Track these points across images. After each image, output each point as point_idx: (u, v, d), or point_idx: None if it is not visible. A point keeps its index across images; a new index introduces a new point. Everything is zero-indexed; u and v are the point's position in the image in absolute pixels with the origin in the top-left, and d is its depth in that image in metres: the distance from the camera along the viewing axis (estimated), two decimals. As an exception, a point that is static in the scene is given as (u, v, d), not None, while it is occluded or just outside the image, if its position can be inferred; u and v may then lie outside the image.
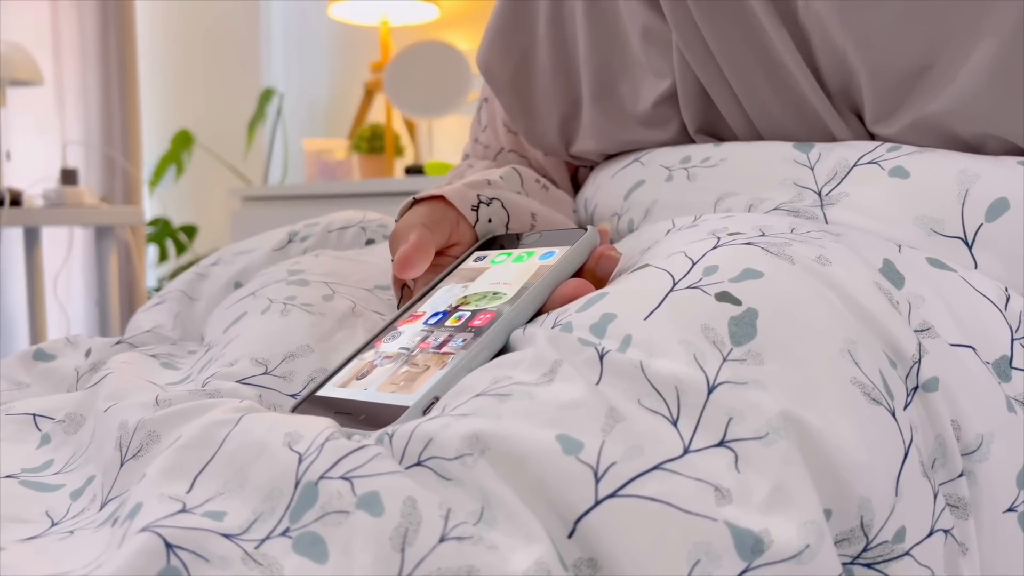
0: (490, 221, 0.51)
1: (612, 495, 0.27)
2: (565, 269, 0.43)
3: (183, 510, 0.29)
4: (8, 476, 0.38)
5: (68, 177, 2.11)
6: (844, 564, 0.30)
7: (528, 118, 0.66)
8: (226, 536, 0.28)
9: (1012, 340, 0.38)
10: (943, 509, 0.33)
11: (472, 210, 0.50)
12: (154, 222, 2.71)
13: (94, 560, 0.29)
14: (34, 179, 2.28)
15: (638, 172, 0.57)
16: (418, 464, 0.30)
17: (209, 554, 0.27)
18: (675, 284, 0.35)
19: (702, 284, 0.35)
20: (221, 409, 0.35)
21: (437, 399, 0.36)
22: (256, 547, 0.28)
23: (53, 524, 0.35)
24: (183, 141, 2.72)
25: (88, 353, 0.55)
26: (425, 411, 0.35)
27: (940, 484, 0.34)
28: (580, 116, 0.63)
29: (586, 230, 0.45)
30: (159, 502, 0.30)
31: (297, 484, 0.29)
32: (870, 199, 0.44)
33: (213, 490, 0.31)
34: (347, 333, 0.48)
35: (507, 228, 0.52)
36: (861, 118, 0.49)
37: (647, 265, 0.38)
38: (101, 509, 0.35)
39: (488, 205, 0.51)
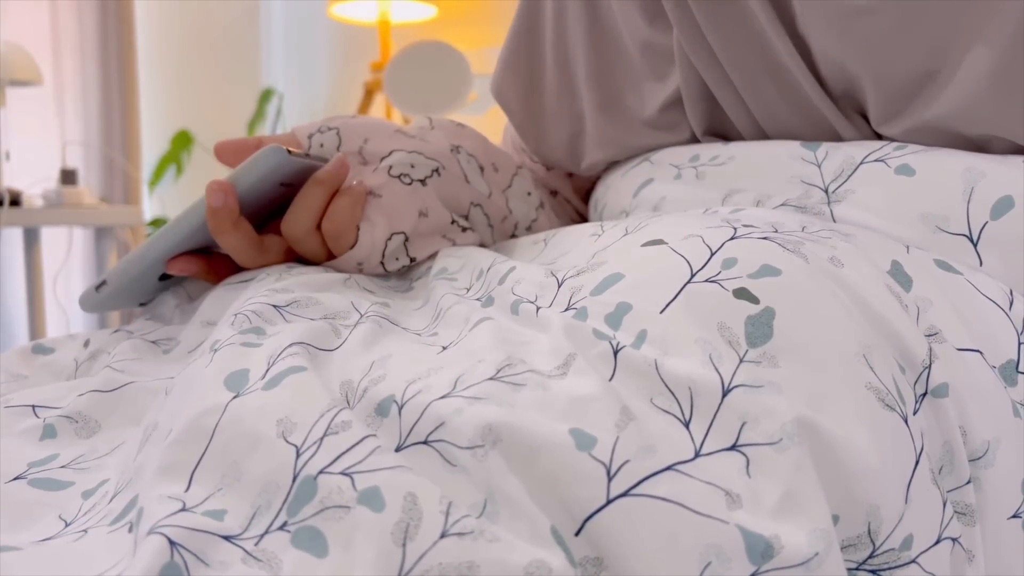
0: (322, 146, 0.55)
1: (624, 494, 0.27)
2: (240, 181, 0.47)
3: (183, 509, 0.29)
4: (16, 479, 0.38)
5: (67, 177, 2.10)
6: (849, 570, 0.30)
7: (539, 140, 0.67)
8: (226, 538, 0.28)
9: (1019, 344, 0.38)
10: (951, 517, 0.33)
11: (307, 137, 0.55)
12: (154, 222, 2.71)
13: (110, 568, 0.29)
14: (33, 179, 2.28)
15: (648, 171, 0.57)
16: (425, 443, 0.29)
17: (209, 559, 0.27)
18: (693, 275, 0.35)
19: (720, 278, 0.34)
20: (204, 380, 0.35)
21: (105, 283, 0.51)
22: (256, 544, 0.28)
23: (67, 525, 0.34)
24: (183, 141, 2.72)
25: (87, 343, 0.55)
26: (98, 287, 0.51)
27: (948, 491, 0.34)
28: (586, 131, 0.63)
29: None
30: (159, 503, 0.29)
31: (295, 478, 0.29)
32: (876, 196, 0.44)
33: (211, 486, 0.30)
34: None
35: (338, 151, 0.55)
36: (866, 118, 0.49)
37: (662, 242, 0.38)
38: (111, 501, 0.35)
39: (323, 133, 0.55)
